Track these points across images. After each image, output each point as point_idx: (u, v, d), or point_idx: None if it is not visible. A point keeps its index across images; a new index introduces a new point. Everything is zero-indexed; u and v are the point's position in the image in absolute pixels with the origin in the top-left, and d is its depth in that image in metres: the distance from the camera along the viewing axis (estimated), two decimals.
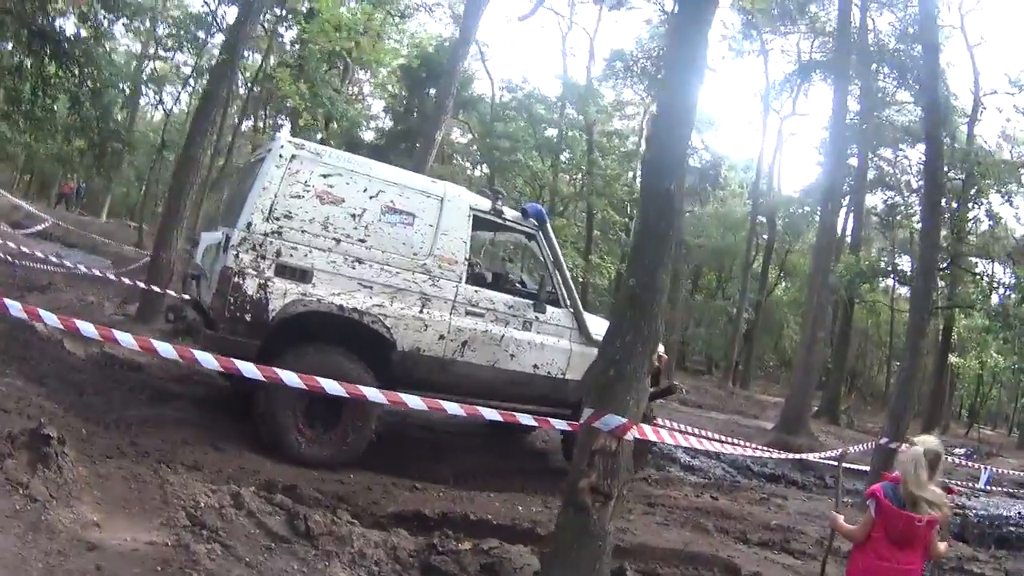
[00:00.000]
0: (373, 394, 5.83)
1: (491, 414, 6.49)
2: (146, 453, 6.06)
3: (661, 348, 9.37)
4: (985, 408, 44.04)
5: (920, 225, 19.27)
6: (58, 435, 4.97)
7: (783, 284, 42.91)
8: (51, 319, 5.51)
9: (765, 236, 37.32)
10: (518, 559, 5.16)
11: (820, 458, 9.86)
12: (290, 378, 5.56)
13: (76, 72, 14.27)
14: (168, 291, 12.81)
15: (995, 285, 27.63)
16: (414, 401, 5.97)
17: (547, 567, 4.17)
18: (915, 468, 3.93)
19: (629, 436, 4.09)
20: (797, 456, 9.87)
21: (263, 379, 5.53)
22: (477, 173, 38.92)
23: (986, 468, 16.95)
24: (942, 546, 4.16)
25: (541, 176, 35.19)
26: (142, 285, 13.05)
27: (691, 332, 41.37)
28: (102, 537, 4.30)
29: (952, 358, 29.13)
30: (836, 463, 6.41)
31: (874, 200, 32.87)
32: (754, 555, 6.70)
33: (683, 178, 4.56)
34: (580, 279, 30.15)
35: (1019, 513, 13.33)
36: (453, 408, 6.13)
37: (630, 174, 35.64)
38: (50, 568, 3.80)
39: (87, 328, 5.48)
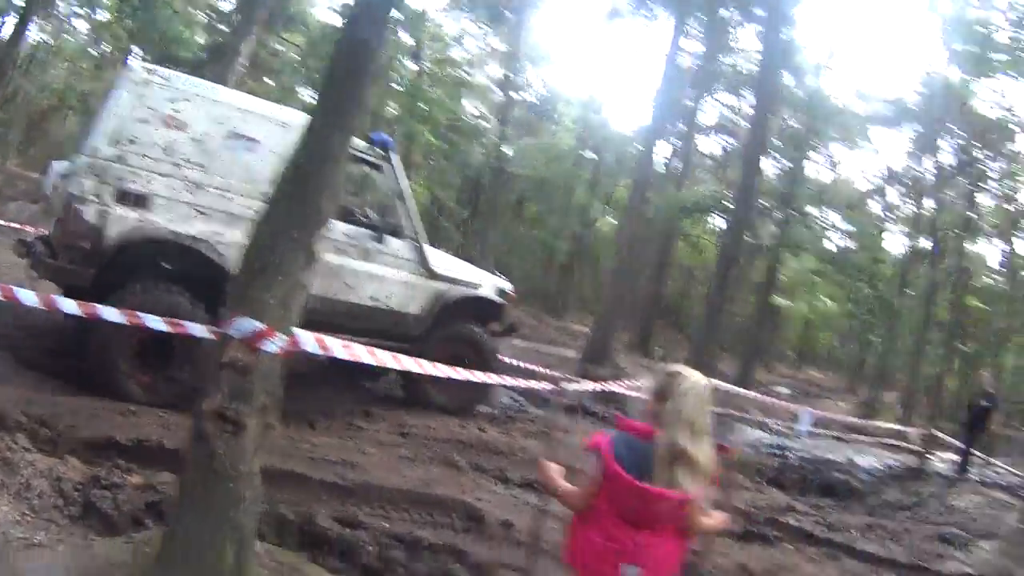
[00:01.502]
0: (153, 321, 5.65)
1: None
2: None
3: (508, 285, 9.17)
4: (817, 352, 45.86)
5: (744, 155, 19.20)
6: None
7: (608, 219, 42.96)
8: None
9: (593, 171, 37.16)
10: None
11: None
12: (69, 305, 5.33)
13: None
14: None
15: (828, 230, 28.64)
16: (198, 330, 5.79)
17: (176, 513, 3.17)
18: (696, 409, 2.64)
19: (272, 347, 3.14)
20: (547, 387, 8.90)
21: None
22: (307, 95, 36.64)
23: (807, 411, 15.67)
24: (710, 520, 2.80)
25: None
26: None
27: (506, 261, 41.06)
28: None
29: (778, 299, 29.74)
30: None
31: (711, 145, 33.44)
32: (511, 498, 6.11)
33: (384, 34, 3.65)
34: None
35: (849, 459, 12.77)
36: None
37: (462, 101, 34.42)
38: None
39: None
